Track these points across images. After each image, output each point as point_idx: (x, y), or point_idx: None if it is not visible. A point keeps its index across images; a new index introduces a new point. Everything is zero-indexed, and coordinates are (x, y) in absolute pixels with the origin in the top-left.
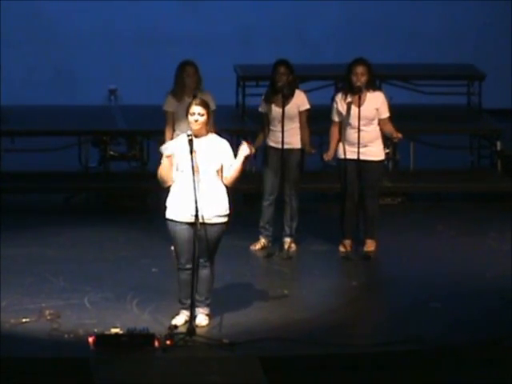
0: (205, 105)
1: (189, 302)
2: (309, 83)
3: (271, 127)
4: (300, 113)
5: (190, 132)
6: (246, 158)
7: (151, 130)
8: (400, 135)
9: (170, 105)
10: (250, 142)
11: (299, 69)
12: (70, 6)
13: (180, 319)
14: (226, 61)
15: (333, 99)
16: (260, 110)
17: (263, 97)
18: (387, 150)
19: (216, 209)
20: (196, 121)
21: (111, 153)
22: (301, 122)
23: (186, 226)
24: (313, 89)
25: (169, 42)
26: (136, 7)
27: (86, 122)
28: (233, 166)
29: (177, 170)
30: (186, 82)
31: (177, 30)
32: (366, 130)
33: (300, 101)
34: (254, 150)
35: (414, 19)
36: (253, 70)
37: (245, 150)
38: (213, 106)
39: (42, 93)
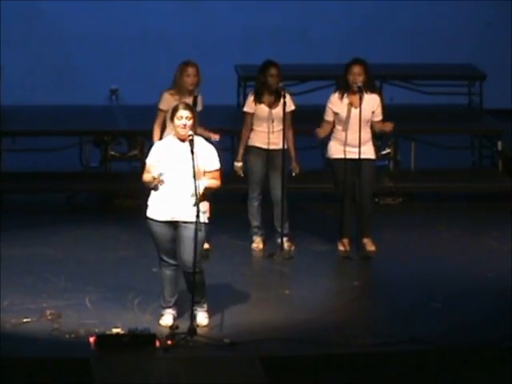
0: (191, 108)
1: (173, 299)
2: (309, 83)
3: (257, 128)
4: (286, 114)
5: (191, 132)
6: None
7: (152, 131)
8: (391, 124)
9: (167, 103)
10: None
11: (299, 68)
12: (71, 6)
13: (168, 319)
14: (227, 61)
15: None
16: (246, 109)
17: (251, 97)
18: (388, 150)
19: (195, 208)
20: (184, 125)
21: (112, 153)
22: (286, 123)
23: (167, 226)
24: (313, 89)
25: (170, 42)
26: (138, 7)
27: (87, 122)
28: (200, 190)
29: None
30: (185, 82)
31: (178, 30)
32: (363, 131)
33: (286, 102)
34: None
35: (415, 19)
36: (254, 71)
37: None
38: (200, 107)
39: (42, 93)
